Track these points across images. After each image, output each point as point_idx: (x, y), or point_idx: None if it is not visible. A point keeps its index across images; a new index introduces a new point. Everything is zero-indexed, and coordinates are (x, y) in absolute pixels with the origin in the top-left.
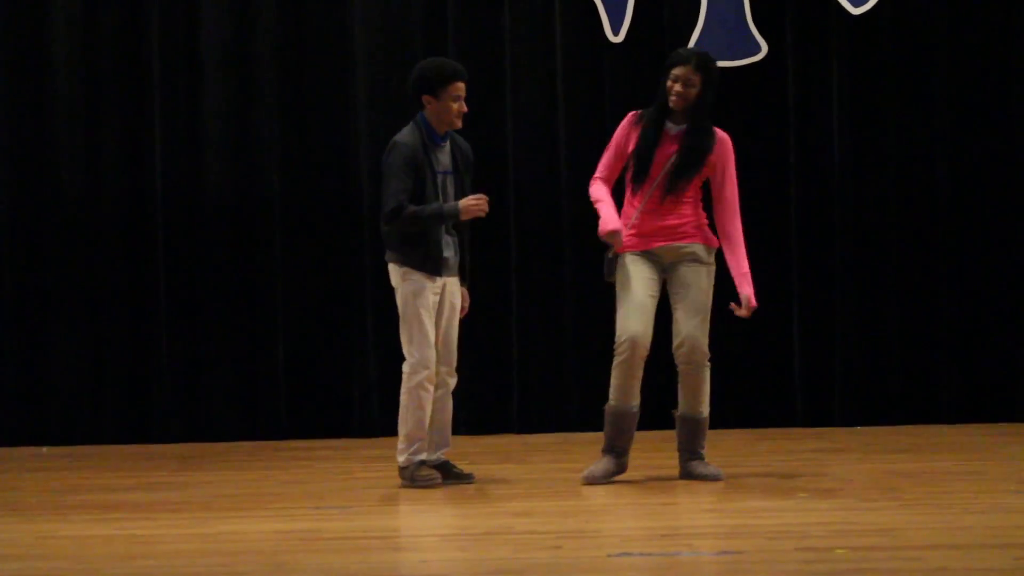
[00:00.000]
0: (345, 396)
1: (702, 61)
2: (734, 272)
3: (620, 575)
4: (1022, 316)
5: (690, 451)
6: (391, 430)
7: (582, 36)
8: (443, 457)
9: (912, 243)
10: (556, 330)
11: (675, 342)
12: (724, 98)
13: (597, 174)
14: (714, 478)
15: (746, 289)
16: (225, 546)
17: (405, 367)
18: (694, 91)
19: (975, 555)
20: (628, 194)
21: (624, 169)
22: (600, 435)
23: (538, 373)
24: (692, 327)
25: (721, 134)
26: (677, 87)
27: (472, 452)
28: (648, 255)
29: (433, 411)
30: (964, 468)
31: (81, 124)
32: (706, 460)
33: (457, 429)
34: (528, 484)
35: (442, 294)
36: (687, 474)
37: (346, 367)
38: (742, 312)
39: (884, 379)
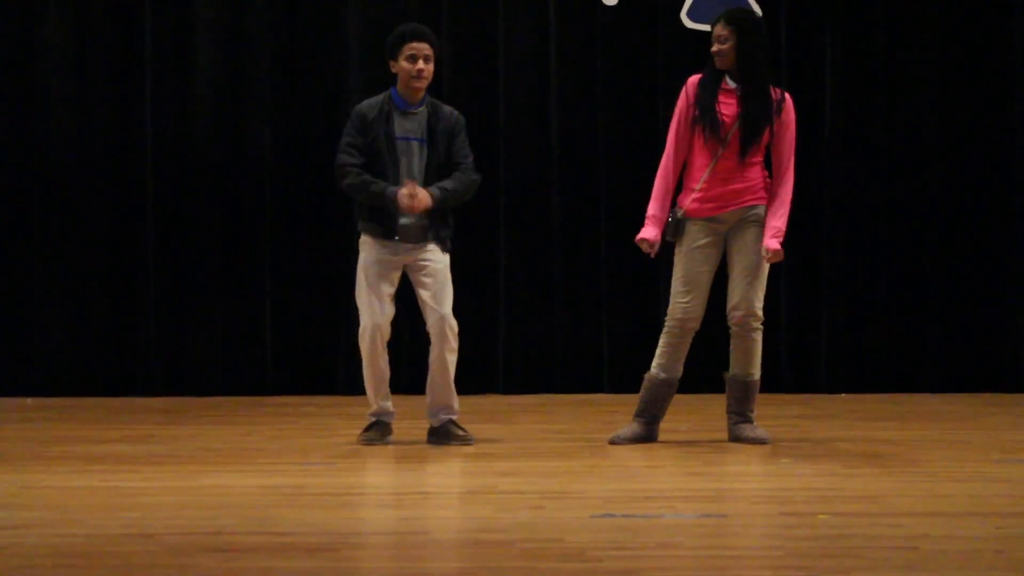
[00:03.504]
0: (331, 353)
1: (732, 15)
2: (766, 225)
3: (602, 536)
4: (1008, 287)
5: (739, 413)
6: None
7: (576, 0)
8: (444, 418)
9: (900, 212)
10: (543, 291)
11: (729, 304)
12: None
13: (666, 153)
14: (760, 441)
15: (768, 241)
16: (209, 500)
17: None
18: (728, 46)
19: (957, 523)
20: (697, 158)
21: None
22: (588, 396)
23: (524, 334)
24: (747, 290)
25: (785, 95)
26: (713, 47)
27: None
28: (713, 221)
29: (429, 376)
30: (948, 437)
31: (71, 74)
32: (755, 424)
33: None
34: (512, 444)
35: (412, 266)
36: (735, 437)
37: (333, 323)
38: (768, 259)
39: (870, 347)
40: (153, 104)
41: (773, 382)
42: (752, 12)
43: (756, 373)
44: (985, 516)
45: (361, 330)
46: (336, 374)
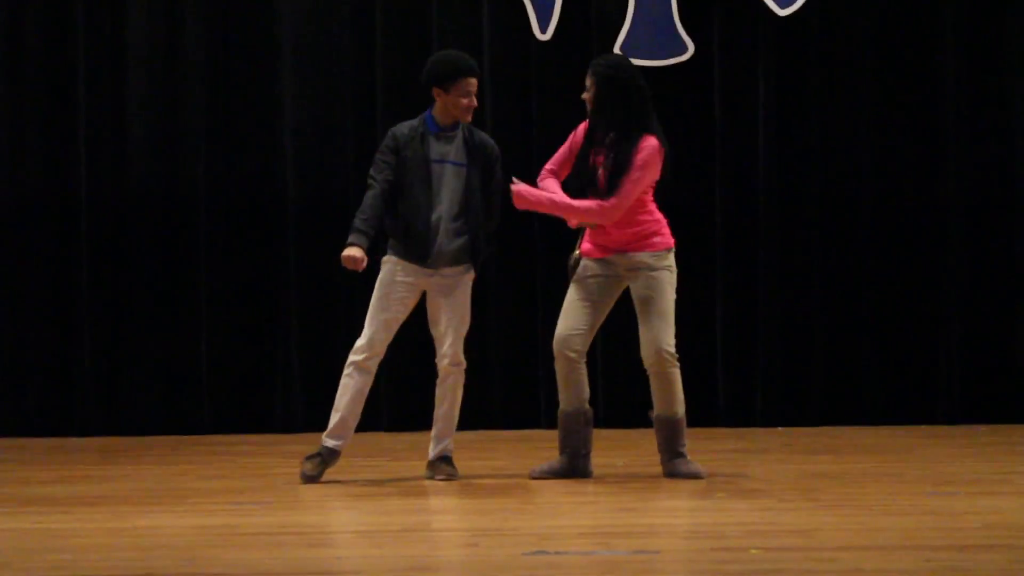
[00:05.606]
0: (268, 391)
1: (595, 63)
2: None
3: (535, 573)
4: (942, 319)
5: (670, 451)
6: (313, 425)
7: (510, 34)
8: (443, 452)
9: (835, 244)
10: (481, 328)
11: (641, 349)
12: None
13: (547, 167)
14: (694, 476)
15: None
16: (141, 540)
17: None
18: (589, 95)
19: (888, 556)
20: None
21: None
22: (525, 432)
23: None
24: (655, 332)
25: (645, 141)
26: (583, 96)
27: (394, 448)
28: (604, 262)
29: (436, 404)
30: (883, 469)
31: (5, 118)
32: (688, 458)
33: (380, 425)
34: (448, 481)
35: (434, 289)
36: (670, 473)
37: (269, 362)
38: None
39: (806, 380)
40: (87, 140)
41: (709, 415)
42: (617, 59)
43: (680, 410)
44: (916, 549)
45: (357, 346)
46: (273, 412)
